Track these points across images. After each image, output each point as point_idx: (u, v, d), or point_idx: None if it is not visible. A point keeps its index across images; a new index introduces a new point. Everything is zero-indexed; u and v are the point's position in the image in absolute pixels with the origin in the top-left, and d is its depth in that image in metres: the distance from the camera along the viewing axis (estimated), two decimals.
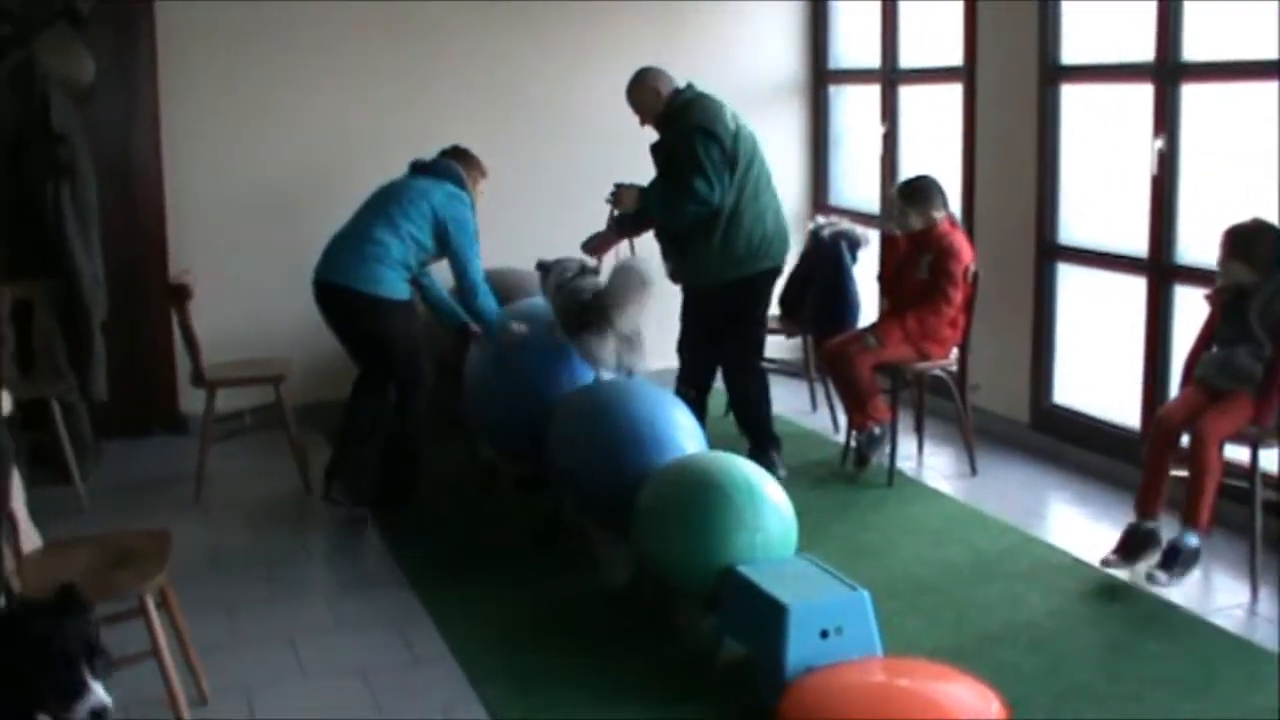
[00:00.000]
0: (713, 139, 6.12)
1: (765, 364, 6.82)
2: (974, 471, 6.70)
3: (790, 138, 8.86)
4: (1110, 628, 4.88)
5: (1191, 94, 6.06)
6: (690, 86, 6.39)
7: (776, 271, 6.54)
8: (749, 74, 8.66)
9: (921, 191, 6.57)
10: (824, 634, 4.22)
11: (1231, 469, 5.25)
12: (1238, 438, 5.14)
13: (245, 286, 7.61)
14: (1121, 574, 5.29)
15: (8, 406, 3.89)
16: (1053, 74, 6.81)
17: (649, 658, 4.67)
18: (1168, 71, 6.10)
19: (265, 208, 7.61)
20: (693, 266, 6.37)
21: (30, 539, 3.99)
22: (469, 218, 6.01)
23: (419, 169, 6.18)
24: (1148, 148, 6.21)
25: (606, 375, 5.78)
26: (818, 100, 8.90)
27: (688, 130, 6.17)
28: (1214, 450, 5.05)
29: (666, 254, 6.47)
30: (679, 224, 6.24)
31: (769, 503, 4.69)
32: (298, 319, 6.94)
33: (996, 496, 6.36)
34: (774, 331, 7.57)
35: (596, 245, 6.58)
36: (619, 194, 6.43)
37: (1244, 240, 5.20)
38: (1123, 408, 6.54)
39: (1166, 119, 6.12)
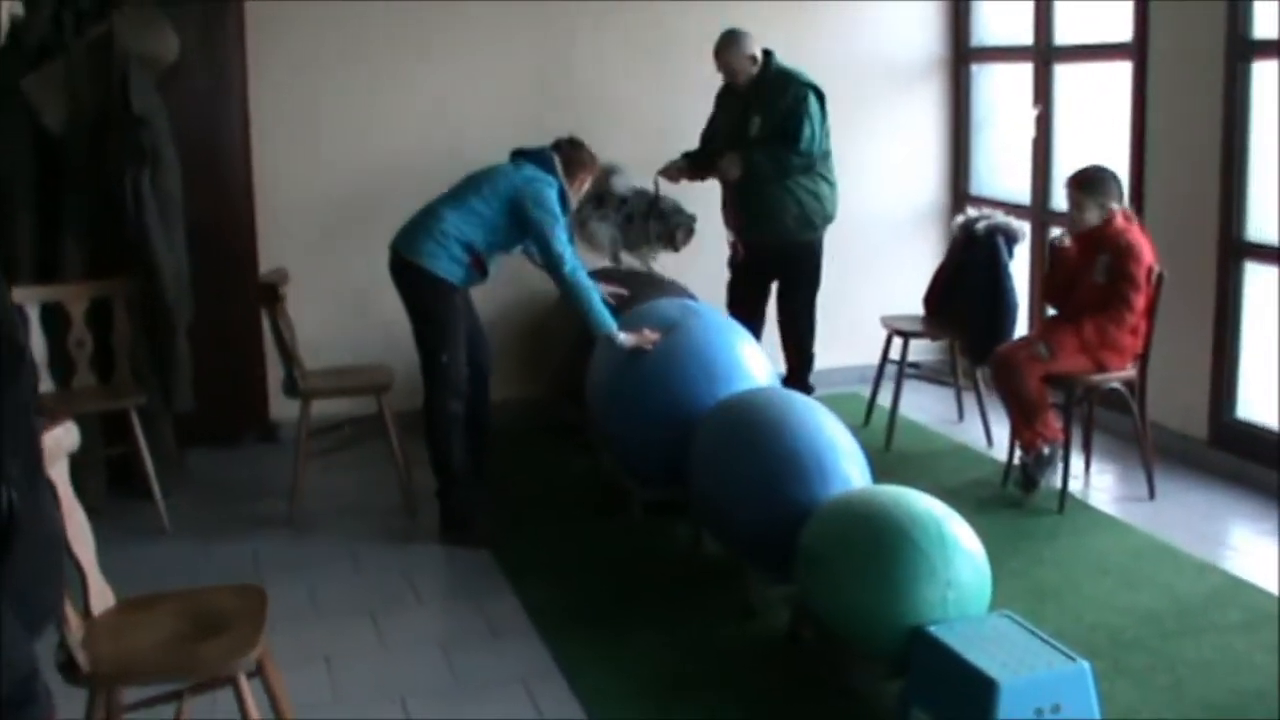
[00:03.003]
0: (821, 98, 6.51)
1: (909, 369, 6.87)
2: (1151, 495, 5.97)
3: (927, 121, 8.06)
4: None
5: None
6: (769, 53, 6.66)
7: None
8: (881, 51, 7.90)
9: (1098, 181, 5.83)
10: (1038, 712, 3.55)
11: None
12: None
13: (344, 285, 7.00)
14: None
15: (73, 441, 3.25)
16: (1243, 49, 6.04)
17: None
18: None
19: (364, 199, 6.94)
20: (802, 216, 6.60)
21: (102, 598, 3.36)
22: (551, 198, 5.57)
23: (516, 155, 5.83)
24: None
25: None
26: (959, 80, 8.08)
27: (799, 87, 6.48)
28: None
29: (758, 211, 6.61)
30: (783, 174, 6.50)
31: (961, 550, 4.00)
32: (401, 320, 6.30)
33: (1182, 525, 5.63)
34: (918, 335, 6.91)
35: (670, 174, 6.85)
36: (723, 163, 6.61)
37: None
38: None
39: None
